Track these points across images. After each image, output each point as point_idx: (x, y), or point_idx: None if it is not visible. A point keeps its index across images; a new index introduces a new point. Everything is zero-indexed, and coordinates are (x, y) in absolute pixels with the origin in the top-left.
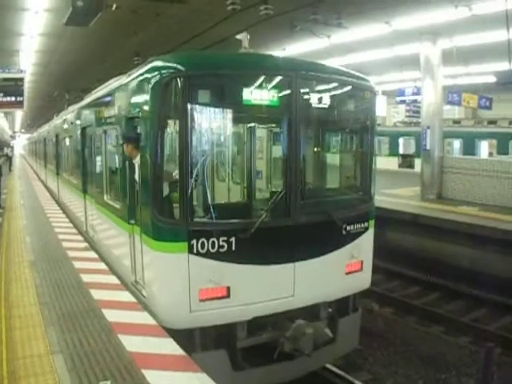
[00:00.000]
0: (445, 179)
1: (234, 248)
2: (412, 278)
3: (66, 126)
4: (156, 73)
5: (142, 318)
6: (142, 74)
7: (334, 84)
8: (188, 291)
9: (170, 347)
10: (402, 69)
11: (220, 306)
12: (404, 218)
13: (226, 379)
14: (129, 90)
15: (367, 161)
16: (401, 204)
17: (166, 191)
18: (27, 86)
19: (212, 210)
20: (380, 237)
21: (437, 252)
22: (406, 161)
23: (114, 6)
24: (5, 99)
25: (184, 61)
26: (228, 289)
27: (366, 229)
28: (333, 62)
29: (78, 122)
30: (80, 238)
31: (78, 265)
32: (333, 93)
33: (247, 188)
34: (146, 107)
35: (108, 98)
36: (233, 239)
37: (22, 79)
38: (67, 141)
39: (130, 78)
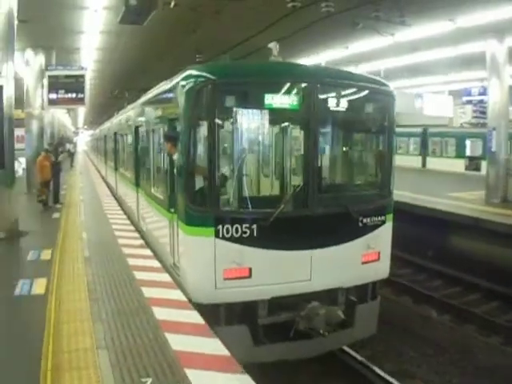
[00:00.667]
0: (511, 182)
1: (255, 234)
2: (473, 285)
3: (122, 125)
4: (190, 80)
5: (189, 316)
6: (178, 82)
7: (351, 89)
8: (214, 270)
9: (214, 346)
10: (468, 68)
11: (242, 285)
12: (466, 223)
13: (247, 353)
14: (169, 95)
15: (385, 160)
16: (463, 208)
17: (197, 183)
18: (88, 83)
19: (237, 200)
20: (440, 241)
21: (499, 258)
22: (473, 163)
23: (173, 4)
24: (66, 96)
25: (213, 70)
26: (250, 270)
27: (383, 222)
28: (398, 61)
29: (132, 121)
30: (136, 234)
31: (132, 262)
32: (349, 97)
33: (269, 182)
34: (181, 110)
35: (154, 100)
36: (254, 226)
37: (83, 76)
38: (123, 138)
39: (171, 84)
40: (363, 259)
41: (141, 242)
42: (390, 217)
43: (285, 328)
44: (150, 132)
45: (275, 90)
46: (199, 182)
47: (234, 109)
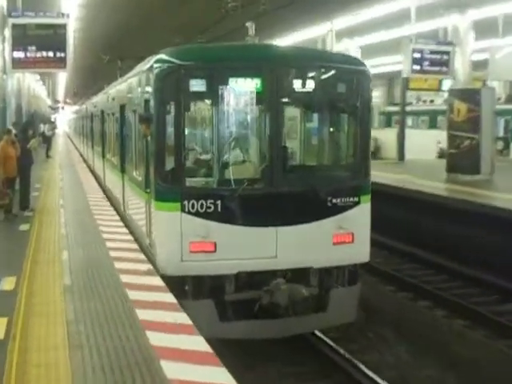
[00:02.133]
0: None
1: (219, 210)
2: None
3: (108, 102)
4: (159, 65)
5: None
6: (151, 66)
7: (317, 70)
8: (180, 243)
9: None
10: None
11: (208, 259)
12: None
13: (213, 328)
14: (143, 77)
15: (358, 140)
16: None
17: (166, 162)
18: (72, 38)
19: (203, 177)
20: None
21: None
22: None
23: None
24: (39, 54)
25: (180, 55)
26: (215, 244)
27: (357, 203)
28: None
29: (116, 99)
30: (142, 257)
31: (133, 295)
32: (315, 77)
33: (235, 161)
34: (151, 93)
35: (133, 81)
36: (219, 202)
37: (63, 26)
38: (110, 118)
39: (145, 67)
40: (334, 240)
41: (148, 267)
42: (365, 198)
43: (252, 307)
44: (132, 113)
45: (238, 73)
46: (168, 161)
47: (199, 92)
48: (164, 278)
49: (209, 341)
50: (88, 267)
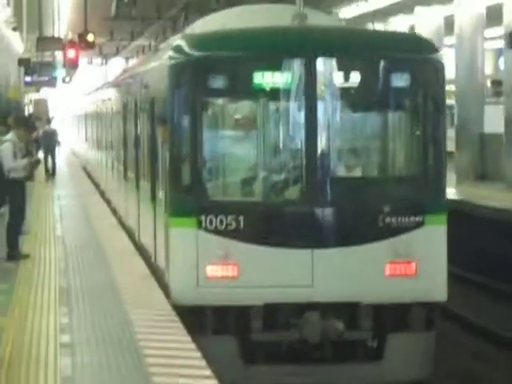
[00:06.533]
0: None
1: (241, 226)
2: None
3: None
4: (175, 55)
5: None
6: (165, 56)
7: (369, 60)
8: (196, 266)
9: None
10: None
11: (229, 285)
12: None
13: (235, 372)
14: (158, 70)
15: (427, 147)
16: None
17: (181, 170)
18: None
19: (222, 188)
20: None
21: None
22: None
23: None
24: None
25: (198, 43)
26: (238, 267)
27: (420, 224)
28: None
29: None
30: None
31: None
32: (364, 70)
33: (261, 169)
34: (166, 90)
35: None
36: (241, 218)
37: None
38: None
39: (158, 58)
40: (389, 269)
41: None
42: (435, 219)
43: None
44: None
45: (267, 67)
46: (183, 170)
47: (219, 89)
48: (177, 309)
49: None
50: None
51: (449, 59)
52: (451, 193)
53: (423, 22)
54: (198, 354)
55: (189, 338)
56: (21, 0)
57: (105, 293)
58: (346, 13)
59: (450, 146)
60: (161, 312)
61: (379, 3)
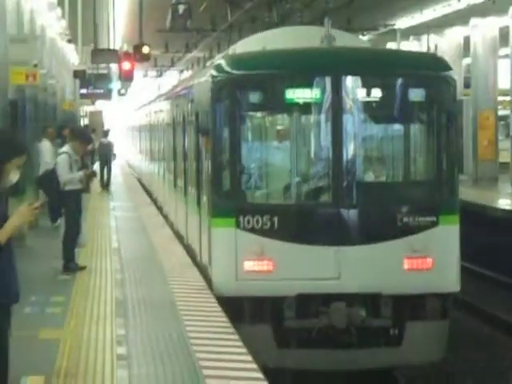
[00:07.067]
0: None
1: (276, 226)
2: None
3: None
4: (216, 74)
5: None
6: (207, 74)
7: (389, 77)
8: (235, 261)
9: None
10: None
11: (265, 278)
12: None
13: (270, 356)
14: (201, 87)
15: (441, 154)
16: None
17: (222, 176)
18: None
19: (259, 192)
20: None
21: None
22: None
23: None
24: None
25: (239, 63)
26: (273, 263)
27: (434, 223)
28: None
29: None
30: None
31: None
32: (386, 86)
33: (292, 175)
34: (208, 104)
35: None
36: (275, 218)
37: None
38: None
39: (202, 76)
40: (406, 264)
41: None
42: (448, 218)
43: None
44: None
45: (298, 84)
46: (224, 175)
47: (257, 103)
48: (219, 300)
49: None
50: None
51: (504, 70)
52: (506, 204)
53: (478, 34)
54: (255, 366)
55: (245, 350)
56: (76, 12)
57: (161, 304)
58: (401, 24)
59: (506, 156)
60: (217, 324)
61: (434, 14)
